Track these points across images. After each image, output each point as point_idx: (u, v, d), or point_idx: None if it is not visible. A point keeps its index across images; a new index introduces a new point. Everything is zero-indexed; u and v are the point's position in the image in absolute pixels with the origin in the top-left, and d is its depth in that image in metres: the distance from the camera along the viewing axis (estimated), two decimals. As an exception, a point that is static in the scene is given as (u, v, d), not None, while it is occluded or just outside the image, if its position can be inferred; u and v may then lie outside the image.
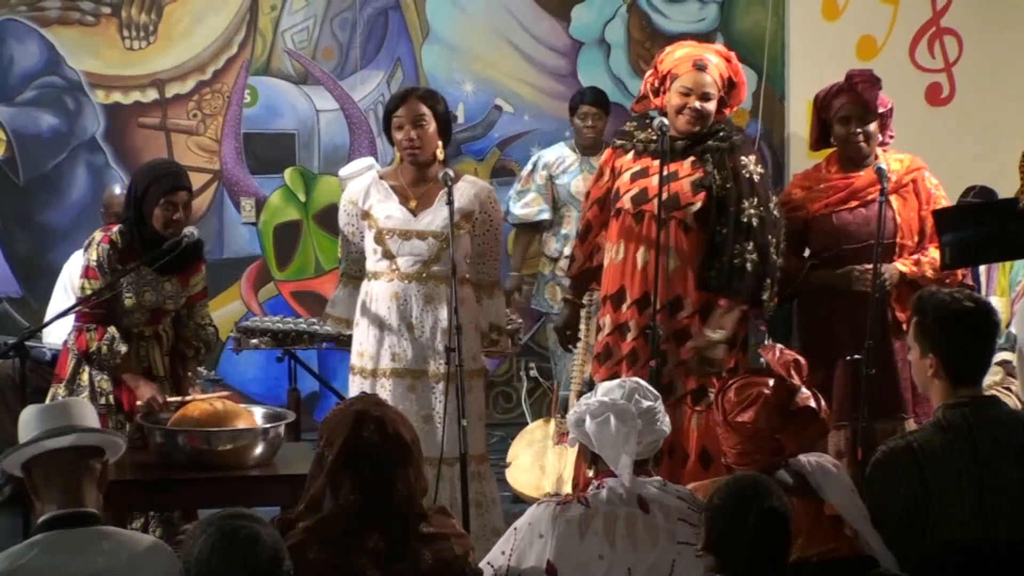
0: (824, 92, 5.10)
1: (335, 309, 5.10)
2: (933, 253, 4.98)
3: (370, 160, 6.39)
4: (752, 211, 4.80)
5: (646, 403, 3.47)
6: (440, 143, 4.89)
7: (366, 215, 4.90)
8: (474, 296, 4.96)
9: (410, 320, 4.83)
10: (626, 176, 4.87)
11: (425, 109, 4.84)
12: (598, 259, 4.99)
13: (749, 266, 4.77)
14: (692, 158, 4.82)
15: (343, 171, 6.41)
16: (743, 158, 4.85)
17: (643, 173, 4.83)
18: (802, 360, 3.63)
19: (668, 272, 4.75)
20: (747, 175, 4.82)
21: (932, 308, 3.52)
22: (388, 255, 4.85)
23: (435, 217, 4.82)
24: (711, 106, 4.79)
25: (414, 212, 4.85)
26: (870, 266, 4.84)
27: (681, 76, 4.80)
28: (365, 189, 4.94)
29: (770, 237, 4.82)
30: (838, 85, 5.07)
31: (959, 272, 5.03)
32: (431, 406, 4.80)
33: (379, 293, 4.87)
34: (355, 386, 4.91)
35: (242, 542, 2.74)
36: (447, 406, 4.71)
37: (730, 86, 4.87)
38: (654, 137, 4.82)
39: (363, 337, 4.91)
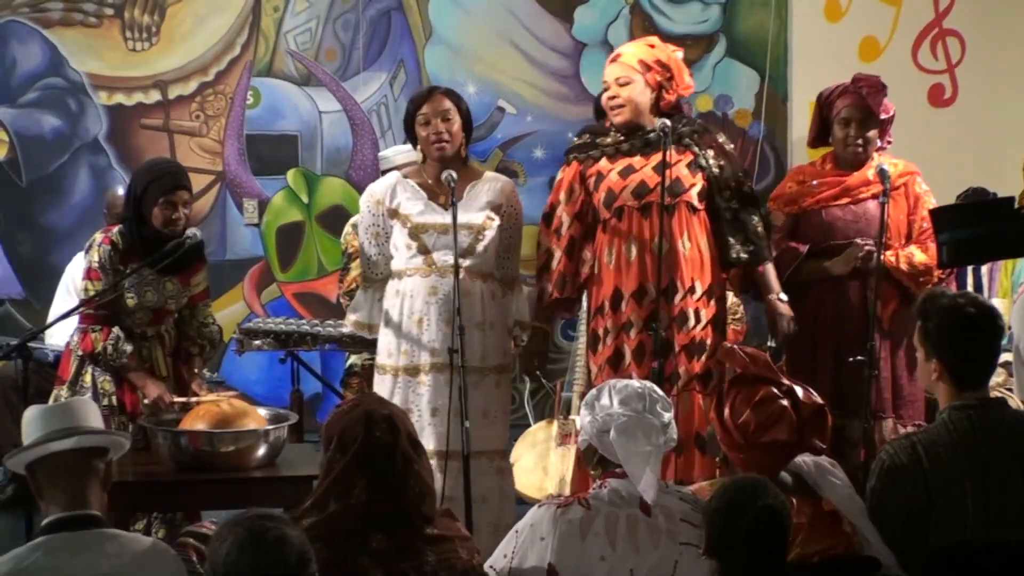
0: (829, 91, 5.13)
1: (358, 314, 5.07)
2: (911, 249, 5.02)
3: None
4: (748, 182, 5.03)
5: (667, 416, 3.48)
6: (463, 140, 4.92)
7: (394, 213, 4.92)
8: (501, 292, 4.98)
9: (448, 315, 4.82)
10: (613, 176, 4.87)
11: (450, 104, 4.89)
12: (584, 273, 4.97)
13: (763, 231, 4.96)
14: (672, 146, 4.83)
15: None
16: (719, 136, 5.03)
17: (631, 169, 4.86)
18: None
19: (683, 257, 4.80)
20: (731, 150, 4.99)
21: (935, 313, 3.52)
22: (424, 250, 4.86)
23: (466, 210, 4.85)
24: (629, 90, 4.86)
25: (445, 207, 4.86)
26: (868, 242, 4.92)
27: (605, 77, 4.94)
28: (391, 188, 4.96)
29: None
30: (843, 86, 5.09)
31: (936, 274, 5.03)
32: (462, 401, 4.80)
33: (415, 289, 4.87)
34: (384, 386, 4.89)
35: (270, 544, 2.70)
36: (459, 402, 4.67)
37: (661, 67, 4.89)
38: (621, 137, 4.88)
39: (396, 335, 4.90)
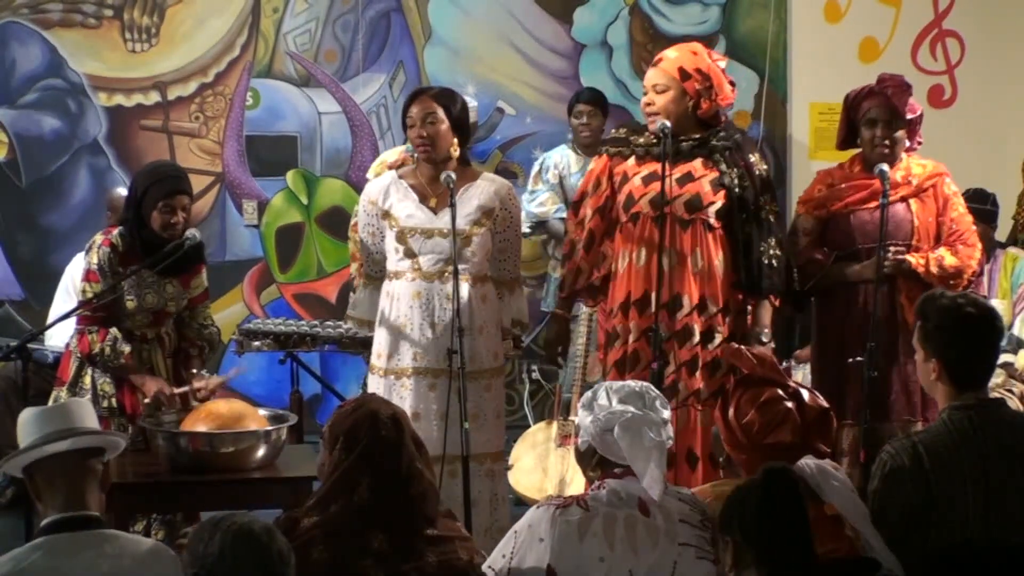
0: (855, 93, 5.11)
1: (356, 310, 5.12)
2: (941, 252, 5.01)
3: None
4: (768, 207, 4.89)
5: (666, 413, 3.47)
6: (455, 142, 4.91)
7: (386, 214, 4.93)
8: (495, 294, 4.98)
9: (432, 319, 4.85)
10: (636, 180, 4.87)
11: (436, 108, 4.87)
12: (604, 269, 4.98)
13: (776, 262, 4.86)
14: (700, 158, 4.84)
15: None
16: (751, 156, 4.92)
17: (654, 176, 4.83)
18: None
19: (695, 273, 4.79)
20: (758, 173, 4.89)
21: (935, 314, 3.52)
22: (410, 254, 4.87)
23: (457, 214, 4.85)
24: (664, 98, 4.83)
25: (434, 210, 4.88)
26: (898, 249, 4.92)
27: (645, 81, 4.92)
28: (385, 189, 4.96)
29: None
30: (869, 87, 5.07)
31: (966, 277, 5.02)
32: (451, 404, 4.82)
33: (401, 292, 4.89)
34: (374, 386, 4.93)
35: (262, 535, 2.77)
36: (451, 406, 4.69)
37: (700, 75, 4.84)
38: (654, 140, 4.84)
39: (384, 337, 4.93)
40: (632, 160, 4.92)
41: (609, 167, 4.96)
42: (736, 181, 4.84)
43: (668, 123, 4.73)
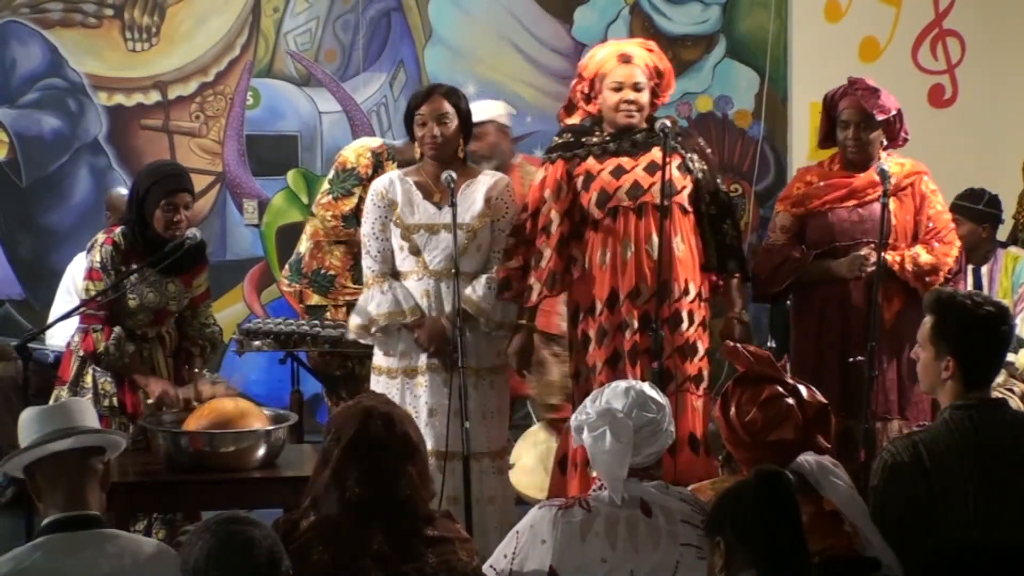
0: (832, 92, 5.17)
1: (381, 308, 4.91)
2: (917, 249, 5.03)
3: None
4: (724, 189, 5.04)
5: (648, 415, 3.41)
6: (461, 141, 4.91)
7: (393, 205, 4.90)
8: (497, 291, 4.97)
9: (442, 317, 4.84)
10: (605, 176, 4.86)
11: (448, 107, 4.87)
12: (579, 271, 4.94)
13: (736, 242, 4.96)
14: (656, 147, 4.83)
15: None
16: (700, 140, 5.05)
17: (622, 170, 4.85)
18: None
19: (676, 259, 4.79)
20: (710, 155, 5.02)
21: (954, 311, 3.50)
22: (415, 251, 4.86)
23: (461, 211, 4.84)
24: (644, 96, 4.86)
25: (439, 207, 4.87)
26: (870, 251, 4.92)
27: (610, 73, 4.86)
28: (391, 183, 4.96)
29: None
30: (844, 87, 5.11)
31: (942, 274, 5.03)
32: (469, 400, 4.81)
33: (410, 291, 4.88)
34: (380, 387, 4.89)
35: (238, 547, 2.75)
36: (459, 402, 4.65)
37: (658, 75, 4.91)
38: (608, 137, 4.87)
39: (393, 337, 4.90)
40: (590, 160, 4.90)
41: (567, 171, 4.91)
42: (697, 165, 4.92)
43: (667, 122, 4.75)
